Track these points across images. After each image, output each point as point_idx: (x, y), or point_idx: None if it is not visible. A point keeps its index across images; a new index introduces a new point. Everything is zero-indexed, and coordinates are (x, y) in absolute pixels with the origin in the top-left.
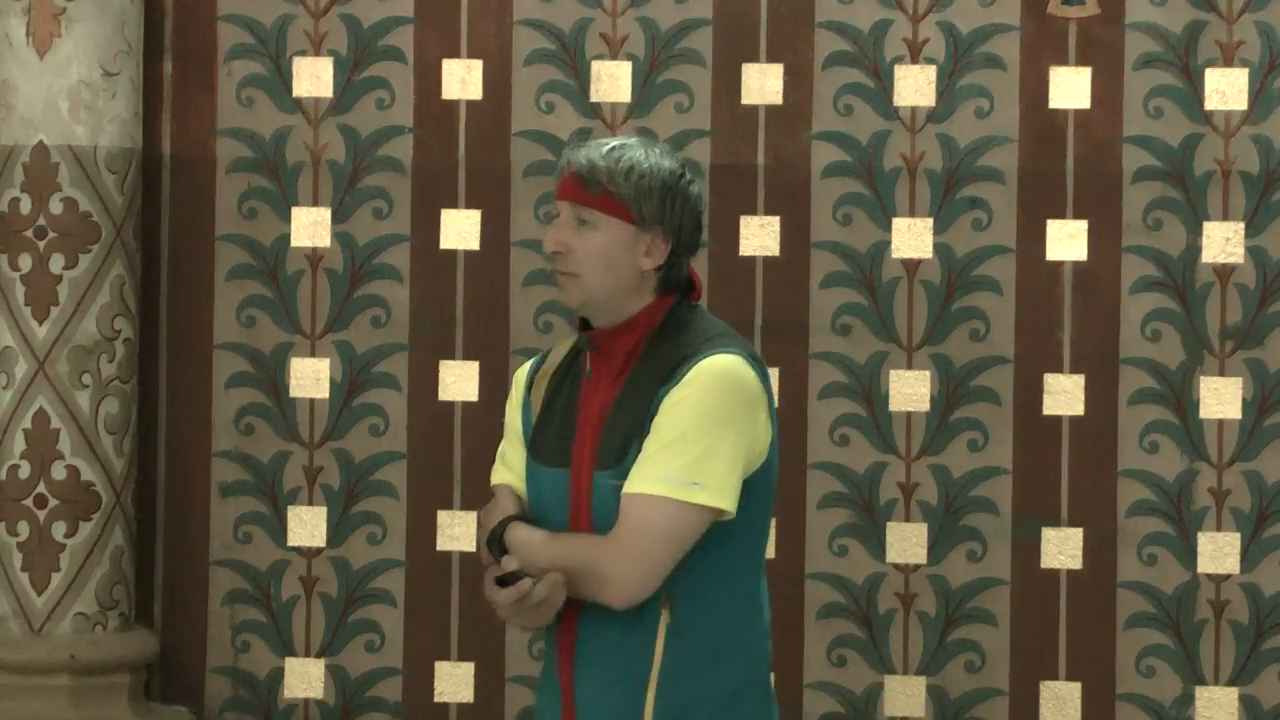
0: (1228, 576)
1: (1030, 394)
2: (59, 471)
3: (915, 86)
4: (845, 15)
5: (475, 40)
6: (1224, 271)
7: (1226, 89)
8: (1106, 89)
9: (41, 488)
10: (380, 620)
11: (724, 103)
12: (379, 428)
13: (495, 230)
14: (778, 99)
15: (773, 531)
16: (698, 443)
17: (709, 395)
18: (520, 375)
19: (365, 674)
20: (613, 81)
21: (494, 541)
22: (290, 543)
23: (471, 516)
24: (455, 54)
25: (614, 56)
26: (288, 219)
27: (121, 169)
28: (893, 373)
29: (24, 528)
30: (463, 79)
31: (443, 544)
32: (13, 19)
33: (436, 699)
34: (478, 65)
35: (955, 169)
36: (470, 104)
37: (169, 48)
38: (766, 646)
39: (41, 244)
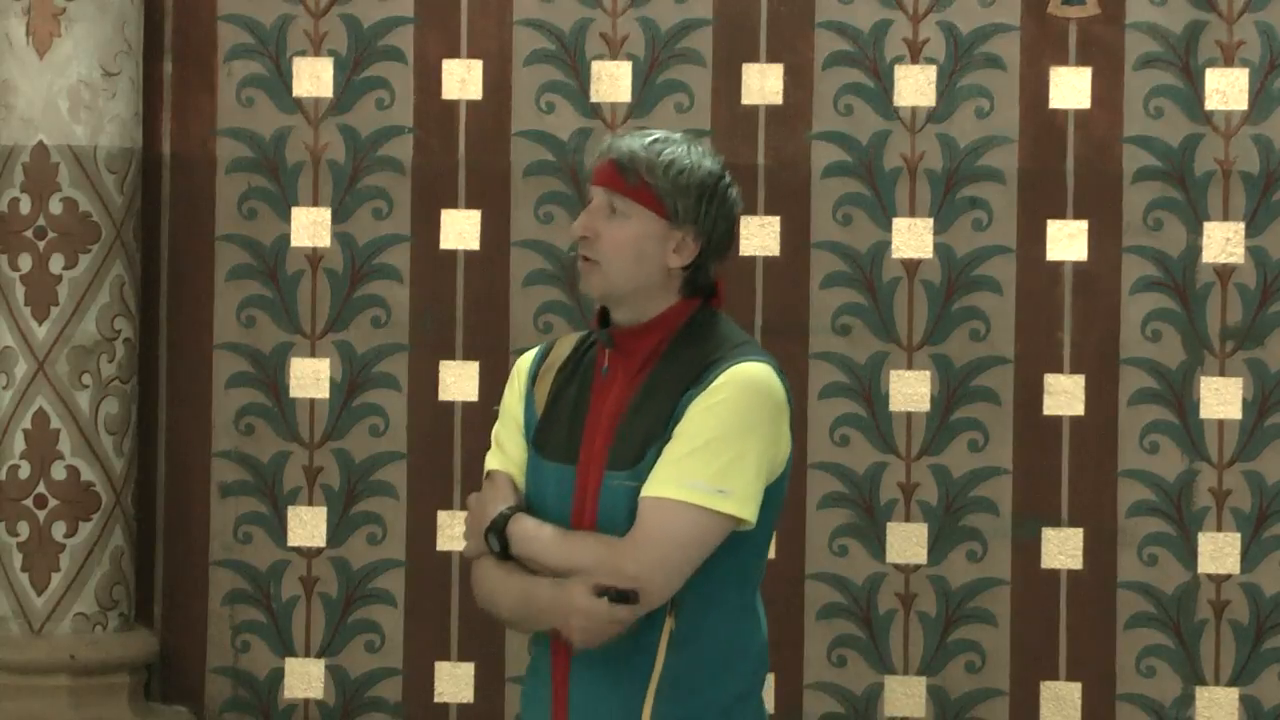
0: (1228, 576)
1: (1030, 394)
2: (59, 471)
3: (915, 86)
4: (845, 15)
5: (475, 40)
6: (1224, 271)
7: (1227, 89)
8: (1106, 89)
9: (41, 488)
10: (380, 620)
11: (724, 103)
12: (379, 428)
13: (495, 230)
14: (778, 99)
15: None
16: (725, 450)
17: (739, 403)
18: (523, 364)
19: (365, 674)
20: (613, 81)
21: (495, 531)
22: (290, 543)
23: None
24: (455, 54)
25: (614, 56)
26: (288, 219)
27: (121, 169)
28: (893, 373)
29: (24, 528)
30: (463, 79)
31: (443, 544)
32: (13, 19)
33: (436, 699)
34: (478, 65)
35: (955, 169)
36: (470, 104)
37: (169, 48)
38: (765, 658)
39: (41, 244)
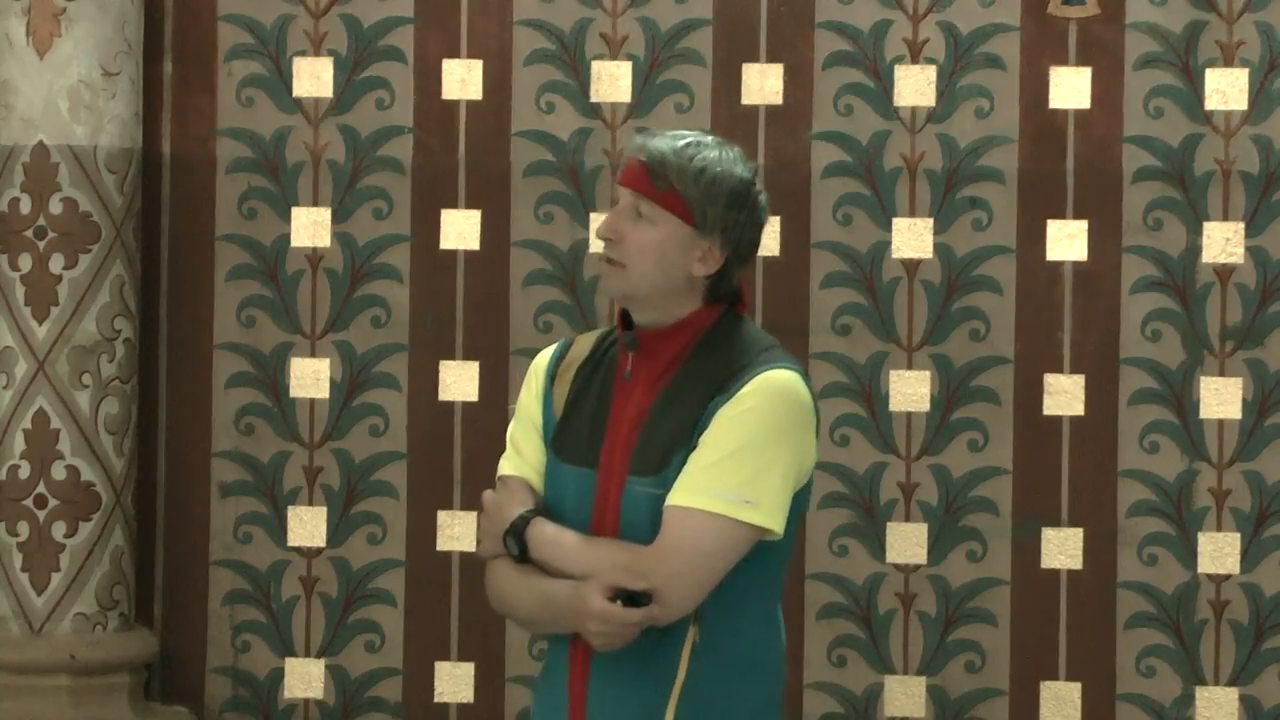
0: (1228, 576)
1: (1030, 394)
2: (59, 471)
3: (915, 86)
4: (845, 15)
5: (475, 40)
6: (1224, 271)
7: (1226, 89)
8: (1106, 89)
9: (41, 488)
10: (380, 620)
11: (724, 103)
12: (379, 428)
13: (495, 230)
14: (778, 99)
15: None
16: (753, 460)
17: (768, 412)
18: (540, 364)
19: (365, 674)
20: (613, 81)
21: (514, 535)
22: (290, 543)
23: (472, 516)
24: (455, 54)
25: (614, 56)
26: (288, 219)
27: (121, 169)
28: (893, 373)
29: (24, 528)
30: (463, 79)
31: (443, 544)
32: (13, 19)
33: (436, 699)
34: (478, 65)
35: (955, 169)
36: (470, 104)
37: (169, 48)
38: (783, 669)
39: (41, 244)
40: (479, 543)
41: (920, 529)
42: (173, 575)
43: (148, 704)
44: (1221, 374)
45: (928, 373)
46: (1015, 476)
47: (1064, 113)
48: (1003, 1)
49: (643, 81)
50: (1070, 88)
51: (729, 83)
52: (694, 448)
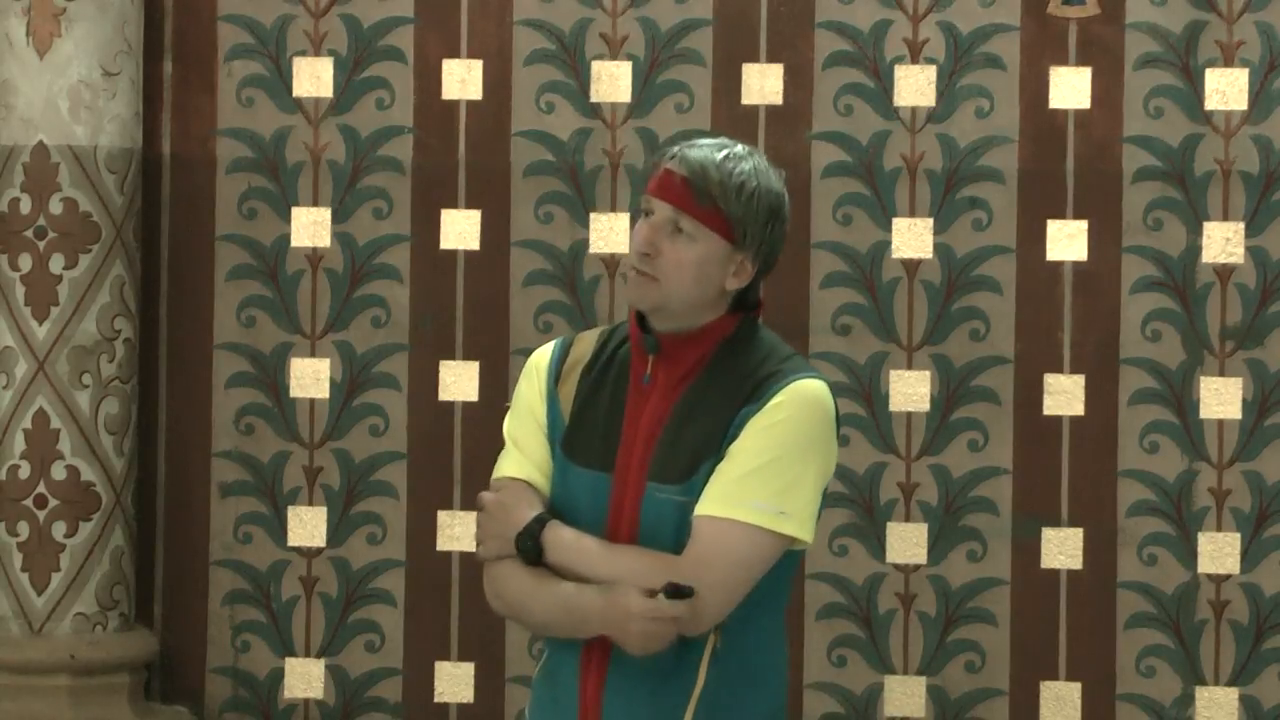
0: (1228, 576)
1: (1030, 394)
2: (59, 471)
3: (915, 86)
4: (845, 15)
5: (475, 40)
6: (1224, 271)
7: (1226, 89)
8: (1106, 89)
9: (41, 488)
10: (380, 620)
11: (724, 103)
12: (379, 428)
13: (495, 230)
14: (778, 99)
15: None
16: (787, 471)
17: (801, 423)
18: (541, 363)
19: (365, 674)
20: (613, 81)
21: (530, 537)
22: (290, 543)
23: (471, 516)
24: (455, 54)
25: (614, 56)
26: (288, 219)
27: (121, 169)
28: (893, 373)
29: (24, 528)
30: (463, 79)
31: (443, 544)
32: (13, 19)
33: (436, 699)
34: (478, 65)
35: (955, 169)
36: (470, 104)
37: (169, 48)
38: (787, 676)
39: (41, 244)
40: (479, 544)
41: (920, 529)
42: (173, 575)
43: (148, 704)
44: (1221, 374)
45: (928, 373)
46: (1015, 476)
47: (1064, 113)
48: (1003, 1)
49: (643, 81)
50: (1070, 88)
51: (729, 83)
52: (722, 457)
